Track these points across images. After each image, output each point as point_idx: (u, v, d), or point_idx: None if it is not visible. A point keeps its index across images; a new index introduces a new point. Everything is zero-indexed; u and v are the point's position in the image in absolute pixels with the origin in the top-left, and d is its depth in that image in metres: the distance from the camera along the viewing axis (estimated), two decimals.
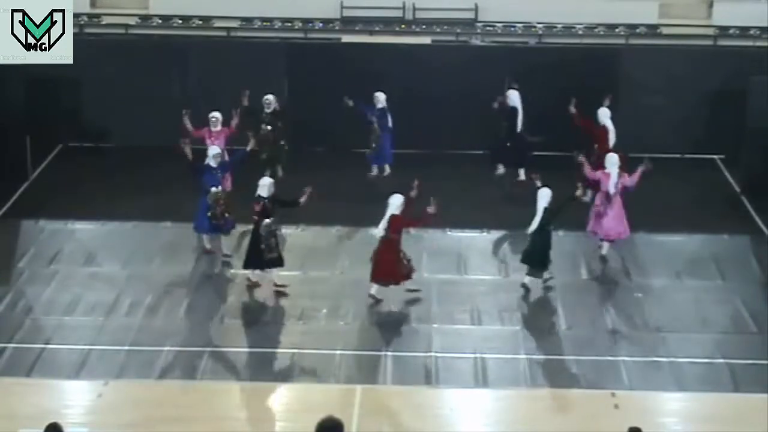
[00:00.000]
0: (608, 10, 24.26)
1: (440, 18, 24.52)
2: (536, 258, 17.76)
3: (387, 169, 21.89)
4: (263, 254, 17.46)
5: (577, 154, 18.92)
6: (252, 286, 17.82)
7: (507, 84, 21.51)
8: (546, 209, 17.60)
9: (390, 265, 17.32)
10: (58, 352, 16.03)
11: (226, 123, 20.21)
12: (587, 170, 18.80)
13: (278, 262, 17.68)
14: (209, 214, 18.42)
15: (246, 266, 17.86)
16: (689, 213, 20.79)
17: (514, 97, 21.48)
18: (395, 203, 17.24)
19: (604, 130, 20.46)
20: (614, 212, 18.72)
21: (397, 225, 17.24)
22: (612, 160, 18.72)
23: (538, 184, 17.66)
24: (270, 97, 21.21)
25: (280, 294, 17.64)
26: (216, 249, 18.83)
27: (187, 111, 20.12)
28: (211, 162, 18.54)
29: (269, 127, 21.06)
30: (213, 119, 20.14)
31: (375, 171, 21.85)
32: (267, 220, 17.39)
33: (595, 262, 18.86)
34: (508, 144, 21.62)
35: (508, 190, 21.43)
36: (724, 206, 21.27)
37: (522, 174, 21.50)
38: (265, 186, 17.58)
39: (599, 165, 18.85)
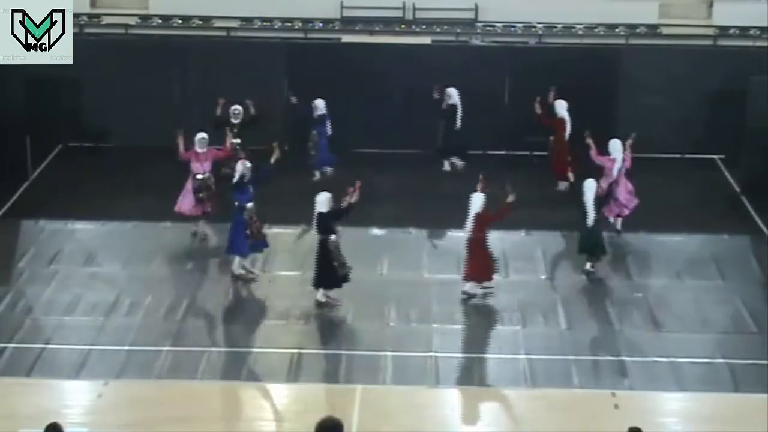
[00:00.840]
0: (608, 10, 24.26)
1: (440, 18, 24.51)
2: (597, 244, 18.17)
3: (328, 170, 21.73)
4: (337, 271, 17.00)
5: (586, 135, 19.33)
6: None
7: (439, 90, 21.77)
8: (595, 200, 17.93)
9: (483, 262, 17.44)
10: (58, 352, 16.03)
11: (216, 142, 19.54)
12: (593, 153, 19.28)
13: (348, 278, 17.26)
14: (248, 231, 17.70)
15: (321, 286, 17.16)
16: (689, 213, 20.78)
17: (453, 95, 21.63)
18: (477, 202, 17.32)
19: (562, 121, 21.09)
20: (624, 188, 19.35)
21: (481, 223, 17.33)
22: (616, 146, 19.34)
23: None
24: (239, 107, 20.64)
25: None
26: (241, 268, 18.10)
27: (180, 131, 19.26)
28: (244, 177, 17.81)
29: (238, 140, 20.21)
30: (201, 139, 19.19)
31: (318, 175, 21.72)
32: (333, 236, 17.00)
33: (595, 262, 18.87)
34: (450, 140, 21.90)
35: (508, 191, 21.41)
36: (724, 206, 21.26)
37: (458, 163, 21.88)
38: (323, 202, 16.99)
39: (560, 155, 20.00)
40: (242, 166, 17.87)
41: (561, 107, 21.21)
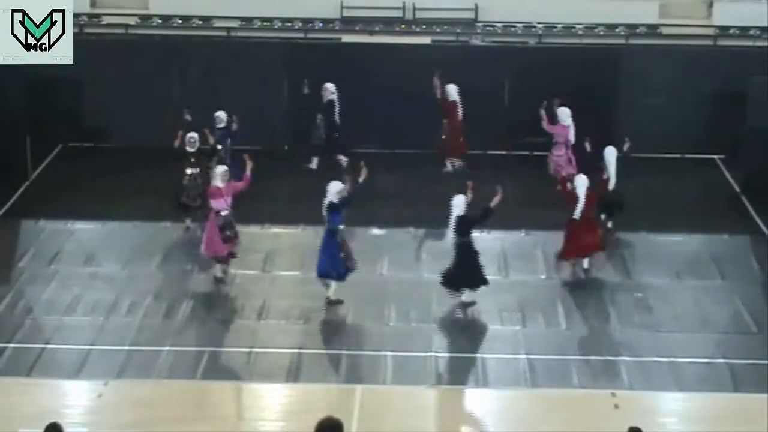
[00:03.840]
0: (608, 10, 24.25)
1: (440, 18, 24.50)
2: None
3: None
4: (481, 272, 17.24)
5: (548, 104, 20.81)
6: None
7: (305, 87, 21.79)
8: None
9: (594, 237, 18.20)
10: (58, 352, 16.04)
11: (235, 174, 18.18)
12: (545, 123, 20.86)
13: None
14: (342, 254, 17.18)
15: (465, 286, 17.25)
16: (689, 213, 20.78)
17: (331, 91, 21.64)
18: (584, 183, 18.01)
19: (454, 104, 21.73)
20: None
21: (591, 202, 18.13)
22: (566, 113, 20.80)
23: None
24: (194, 135, 19.64)
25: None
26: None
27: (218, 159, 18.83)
28: (334, 198, 17.04)
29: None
30: (222, 173, 17.79)
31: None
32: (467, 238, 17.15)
33: (594, 262, 18.87)
34: (326, 137, 21.83)
35: (508, 191, 21.41)
36: (724, 206, 21.26)
37: (344, 161, 21.56)
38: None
39: (452, 137, 20.63)
40: (335, 188, 17.09)
41: (453, 91, 21.64)
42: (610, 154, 19.33)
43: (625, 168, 19.48)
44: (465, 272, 17.23)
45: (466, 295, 17.30)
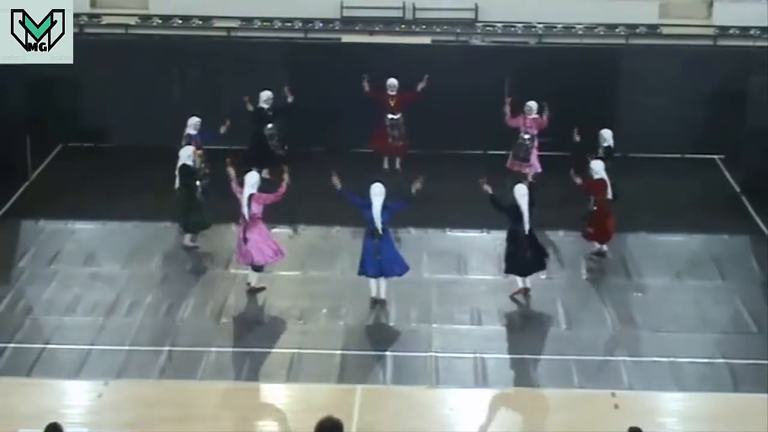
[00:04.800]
0: (608, 10, 24.24)
1: (440, 18, 24.50)
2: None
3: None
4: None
5: (507, 102, 20.91)
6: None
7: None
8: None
9: (613, 223, 18.59)
10: (58, 352, 16.03)
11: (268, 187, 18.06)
12: (507, 118, 20.98)
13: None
14: (379, 257, 17.07)
15: (532, 271, 17.57)
16: (689, 213, 20.78)
17: (263, 99, 21.42)
18: (598, 168, 18.41)
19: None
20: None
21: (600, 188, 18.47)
22: (531, 106, 20.88)
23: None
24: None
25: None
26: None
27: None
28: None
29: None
30: (257, 182, 17.52)
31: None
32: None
33: (594, 261, 18.85)
34: (257, 146, 21.41)
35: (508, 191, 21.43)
36: (724, 206, 21.25)
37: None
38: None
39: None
40: (376, 189, 17.01)
41: (392, 85, 21.73)
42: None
43: (626, 168, 19.48)
44: (522, 259, 17.41)
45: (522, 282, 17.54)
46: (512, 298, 17.49)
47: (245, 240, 17.32)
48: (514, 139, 21.34)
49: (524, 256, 17.32)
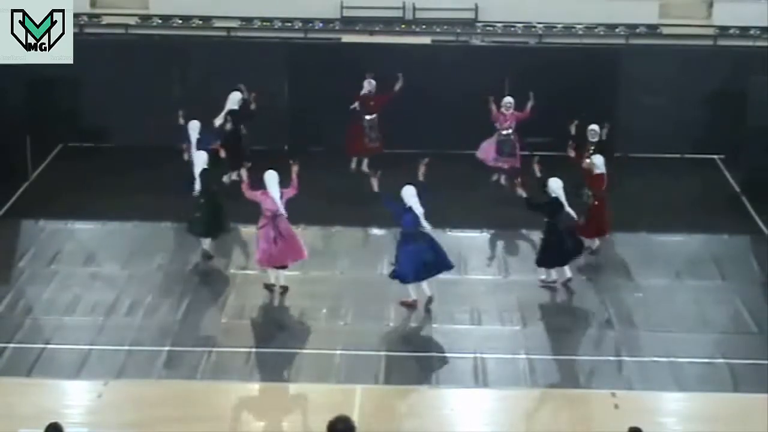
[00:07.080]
0: (608, 10, 24.25)
1: (440, 18, 24.50)
2: None
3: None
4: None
5: (489, 100, 20.98)
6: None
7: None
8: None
9: (609, 218, 18.68)
10: (58, 352, 16.04)
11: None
12: (493, 115, 21.15)
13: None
14: (429, 256, 17.00)
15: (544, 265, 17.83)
16: (689, 213, 20.78)
17: (234, 100, 21.24)
18: (599, 163, 18.47)
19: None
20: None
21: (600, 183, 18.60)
22: (508, 100, 21.16)
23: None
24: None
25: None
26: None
27: (248, 164, 18.10)
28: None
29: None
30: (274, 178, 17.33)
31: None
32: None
33: (593, 261, 18.85)
34: (231, 146, 20.85)
35: (508, 191, 21.45)
36: (724, 206, 21.26)
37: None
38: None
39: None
40: (408, 191, 16.93)
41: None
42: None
43: (626, 168, 19.48)
44: (560, 250, 17.68)
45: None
46: (564, 285, 17.74)
47: (281, 238, 17.18)
48: (490, 135, 21.55)
49: (563, 246, 17.59)
